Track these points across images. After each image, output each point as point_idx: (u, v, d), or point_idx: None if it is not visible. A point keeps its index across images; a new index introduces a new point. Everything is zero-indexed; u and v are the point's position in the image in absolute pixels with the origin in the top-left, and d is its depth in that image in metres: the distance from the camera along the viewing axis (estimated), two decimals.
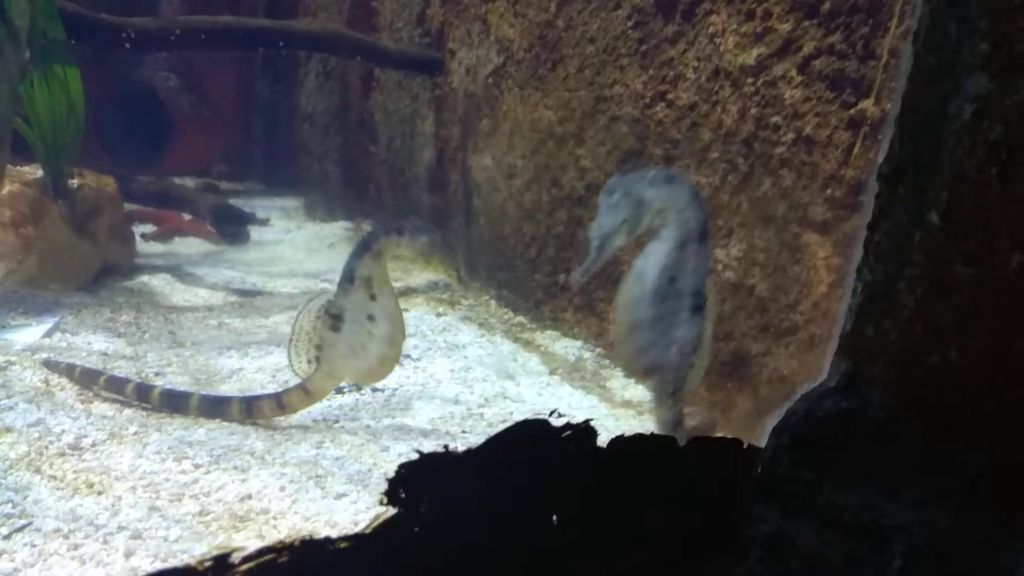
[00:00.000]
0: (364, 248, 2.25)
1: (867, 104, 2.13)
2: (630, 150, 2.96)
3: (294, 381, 2.38)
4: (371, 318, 2.26)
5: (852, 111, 2.17)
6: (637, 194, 1.83)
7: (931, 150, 1.03)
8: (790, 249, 2.34)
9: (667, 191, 1.83)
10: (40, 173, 3.47)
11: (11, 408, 2.21)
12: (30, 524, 1.73)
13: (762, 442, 1.15)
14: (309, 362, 2.31)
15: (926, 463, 1.03)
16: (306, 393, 2.35)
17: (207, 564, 0.86)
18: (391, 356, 2.30)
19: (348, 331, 2.27)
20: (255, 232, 5.15)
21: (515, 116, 3.60)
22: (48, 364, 2.51)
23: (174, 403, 2.40)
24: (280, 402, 2.37)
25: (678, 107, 2.74)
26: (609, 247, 1.86)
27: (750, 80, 2.45)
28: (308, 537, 0.91)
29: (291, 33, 4.32)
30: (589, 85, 3.16)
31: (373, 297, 2.25)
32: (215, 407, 2.39)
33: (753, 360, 2.46)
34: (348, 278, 2.26)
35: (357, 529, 0.94)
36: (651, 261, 1.82)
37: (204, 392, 2.47)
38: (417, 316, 3.48)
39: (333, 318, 2.28)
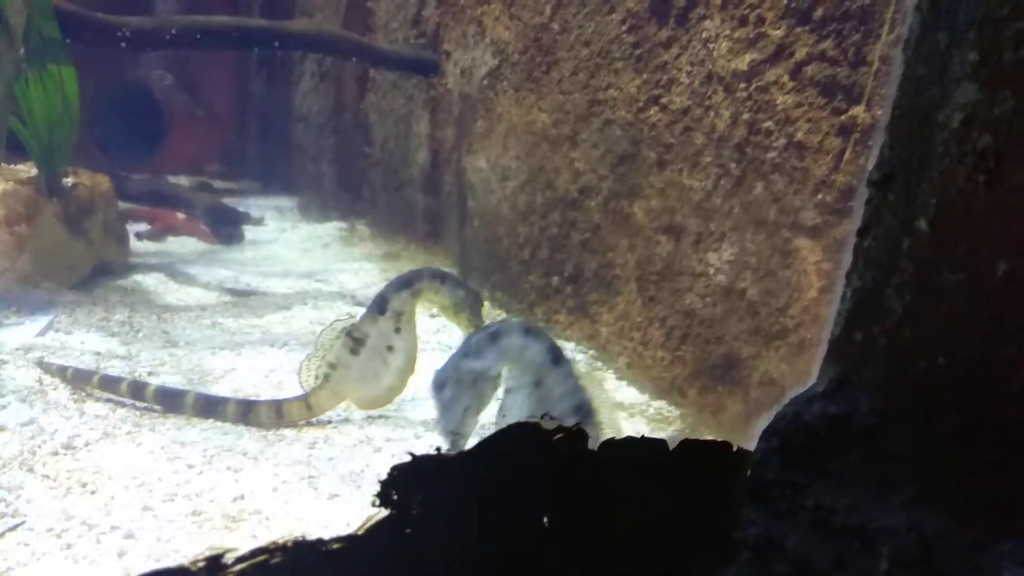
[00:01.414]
0: (404, 284, 2.34)
1: (858, 110, 2.15)
2: (623, 153, 2.97)
3: (291, 384, 2.39)
4: (390, 349, 2.34)
5: (843, 117, 2.19)
6: (468, 373, 1.75)
7: (920, 158, 1.04)
8: (781, 253, 2.36)
9: (495, 350, 1.75)
10: (34, 171, 3.46)
11: (4, 407, 2.22)
12: (23, 523, 1.74)
13: (753, 445, 1.16)
14: (317, 378, 2.35)
15: (914, 467, 1.04)
16: (307, 407, 2.38)
17: (200, 564, 0.86)
18: (398, 388, 2.39)
19: (366, 356, 2.34)
20: (249, 232, 5.16)
21: (510, 118, 3.61)
22: (40, 365, 2.51)
23: (169, 401, 2.41)
24: (279, 410, 2.38)
25: (671, 111, 2.76)
26: (463, 439, 1.79)
27: (743, 85, 2.47)
28: (301, 538, 0.92)
29: (287, 33, 4.32)
30: (583, 88, 3.17)
31: (398, 330, 2.34)
32: (211, 407, 2.39)
33: (744, 363, 2.47)
34: (379, 307, 2.34)
35: (350, 530, 0.94)
36: (512, 414, 1.74)
37: (200, 391, 2.47)
38: None
39: (355, 341, 2.35)
